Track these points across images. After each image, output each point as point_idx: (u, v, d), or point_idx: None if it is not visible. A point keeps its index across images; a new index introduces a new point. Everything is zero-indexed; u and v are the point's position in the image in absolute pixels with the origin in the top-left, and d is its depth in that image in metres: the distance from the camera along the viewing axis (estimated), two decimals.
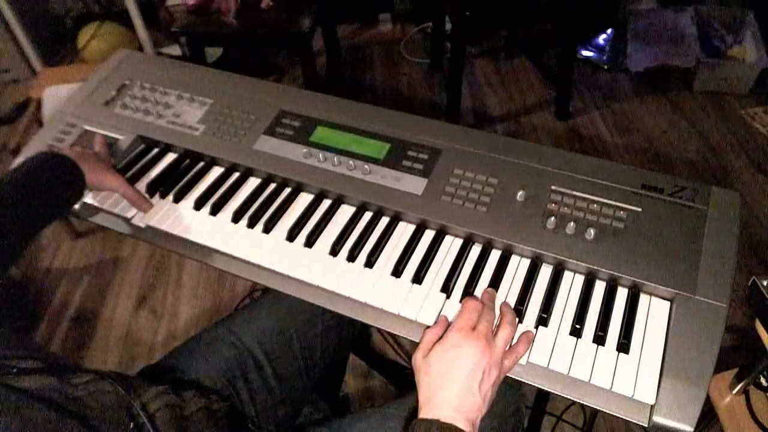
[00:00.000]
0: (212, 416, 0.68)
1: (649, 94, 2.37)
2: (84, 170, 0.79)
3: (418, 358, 0.63)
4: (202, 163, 0.90)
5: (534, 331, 0.67)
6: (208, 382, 0.78)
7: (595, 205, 0.74)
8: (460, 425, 0.56)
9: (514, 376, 0.65)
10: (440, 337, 0.64)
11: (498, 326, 0.64)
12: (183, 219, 0.82)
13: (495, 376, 0.60)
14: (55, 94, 1.82)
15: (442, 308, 0.70)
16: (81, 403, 0.53)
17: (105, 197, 0.84)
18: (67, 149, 0.83)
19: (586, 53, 2.57)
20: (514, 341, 0.65)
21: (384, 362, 1.47)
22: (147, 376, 0.78)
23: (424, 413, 0.58)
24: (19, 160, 0.91)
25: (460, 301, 0.70)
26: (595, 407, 0.62)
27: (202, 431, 0.66)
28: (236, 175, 0.88)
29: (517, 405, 0.80)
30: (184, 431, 0.63)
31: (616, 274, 0.69)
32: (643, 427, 0.60)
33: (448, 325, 0.65)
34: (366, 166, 0.82)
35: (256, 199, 0.84)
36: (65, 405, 0.51)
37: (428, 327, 0.67)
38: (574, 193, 0.76)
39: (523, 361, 0.64)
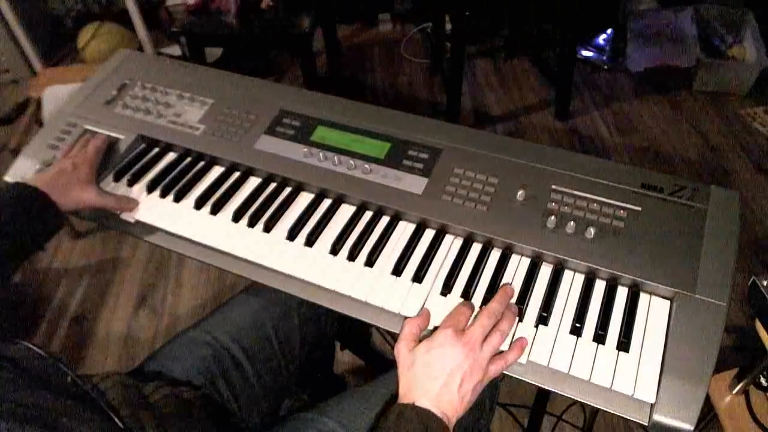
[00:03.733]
0: (184, 404, 0.68)
1: (649, 94, 2.37)
2: (56, 200, 0.75)
3: (401, 348, 0.64)
4: (202, 163, 0.90)
5: (534, 329, 0.67)
6: (183, 379, 0.78)
7: (595, 205, 0.75)
8: (435, 413, 0.58)
9: (515, 376, 0.65)
10: (429, 331, 0.64)
11: (490, 332, 0.64)
12: (183, 218, 0.82)
13: (476, 381, 0.61)
14: (55, 94, 1.82)
15: (441, 307, 0.70)
16: (13, 359, 0.53)
17: None
18: (39, 177, 0.79)
19: (586, 53, 2.57)
20: (512, 341, 0.65)
21: (383, 361, 1.47)
22: None
23: (401, 401, 0.60)
24: (20, 160, 0.92)
25: (461, 298, 0.70)
26: (595, 406, 0.62)
27: (171, 416, 0.65)
28: (237, 174, 0.88)
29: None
30: (146, 410, 0.62)
31: (616, 273, 0.69)
32: (644, 426, 0.60)
33: (429, 317, 0.67)
34: (366, 166, 0.82)
35: (257, 199, 0.84)
36: (4, 360, 0.51)
37: (407, 318, 0.68)
38: (574, 192, 0.76)
39: (523, 360, 0.64)
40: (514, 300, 0.70)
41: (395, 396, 0.62)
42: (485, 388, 0.64)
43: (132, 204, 0.84)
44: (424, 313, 0.68)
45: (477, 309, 0.69)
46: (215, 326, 0.86)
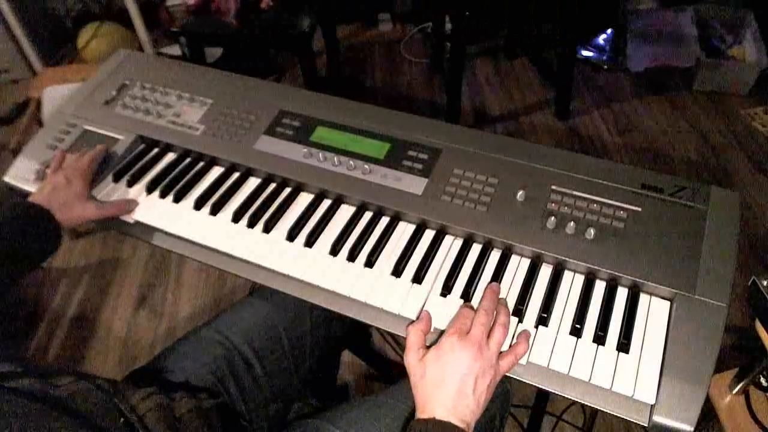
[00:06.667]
0: (203, 414, 0.69)
1: (649, 94, 2.37)
2: (58, 217, 0.75)
3: (410, 359, 0.63)
4: (202, 163, 0.90)
5: (534, 330, 0.67)
6: (197, 382, 0.78)
7: (595, 205, 0.74)
8: (455, 423, 0.57)
9: (514, 376, 0.65)
10: (435, 340, 0.64)
11: (491, 328, 0.64)
12: (183, 219, 0.82)
13: (489, 379, 0.61)
14: (55, 94, 1.82)
15: (442, 308, 0.70)
16: (66, 401, 0.53)
17: (104, 197, 0.85)
18: (37, 196, 0.78)
19: (586, 53, 2.57)
20: (515, 340, 0.65)
21: (383, 362, 1.47)
22: (135, 379, 0.77)
23: (419, 416, 0.60)
24: (19, 160, 0.92)
25: (461, 298, 0.70)
26: (595, 407, 0.62)
27: (194, 430, 0.66)
28: (236, 175, 0.88)
29: (503, 386, 0.81)
30: (177, 431, 0.63)
31: (616, 273, 0.69)
32: (643, 426, 0.60)
33: (430, 320, 0.67)
34: (366, 166, 0.82)
35: (256, 199, 0.84)
36: (50, 401, 0.51)
37: (411, 323, 0.67)
38: (574, 192, 0.76)
39: (523, 361, 0.64)
40: (513, 300, 0.70)
41: (408, 408, 0.62)
42: (495, 403, 0.64)
43: (132, 206, 0.84)
44: (424, 318, 0.67)
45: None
46: (227, 326, 0.86)
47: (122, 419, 0.57)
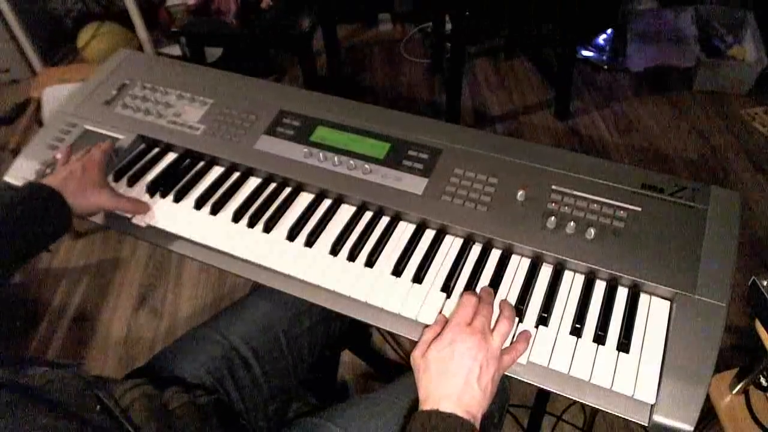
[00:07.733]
0: (198, 410, 0.68)
1: (649, 94, 2.37)
2: (69, 201, 0.76)
3: (416, 356, 0.63)
4: (202, 163, 0.90)
5: (534, 330, 0.67)
6: (194, 381, 0.78)
7: (595, 205, 0.75)
8: (460, 414, 0.56)
9: (515, 376, 0.65)
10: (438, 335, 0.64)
11: (496, 321, 0.64)
12: (183, 219, 0.82)
13: (493, 370, 0.60)
14: (55, 94, 1.82)
15: (442, 308, 0.70)
16: (39, 390, 0.53)
17: None
18: (51, 178, 0.78)
19: (586, 53, 2.57)
20: (515, 340, 0.65)
21: (383, 362, 1.47)
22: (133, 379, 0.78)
23: (422, 407, 0.59)
24: (19, 160, 0.92)
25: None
26: (595, 407, 0.62)
27: (188, 425, 0.65)
28: (236, 174, 0.88)
29: (502, 383, 0.80)
30: (167, 423, 0.62)
31: (616, 273, 0.69)
32: (644, 426, 0.60)
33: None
34: (366, 166, 0.82)
35: (257, 199, 0.84)
36: (20, 390, 0.51)
37: (427, 326, 0.67)
38: (575, 192, 0.76)
39: (523, 360, 0.64)
40: (514, 300, 0.70)
41: (408, 404, 0.61)
42: (494, 401, 0.64)
43: (145, 209, 0.83)
44: (440, 320, 0.67)
45: None
46: (226, 326, 0.86)
47: (99, 406, 0.56)
